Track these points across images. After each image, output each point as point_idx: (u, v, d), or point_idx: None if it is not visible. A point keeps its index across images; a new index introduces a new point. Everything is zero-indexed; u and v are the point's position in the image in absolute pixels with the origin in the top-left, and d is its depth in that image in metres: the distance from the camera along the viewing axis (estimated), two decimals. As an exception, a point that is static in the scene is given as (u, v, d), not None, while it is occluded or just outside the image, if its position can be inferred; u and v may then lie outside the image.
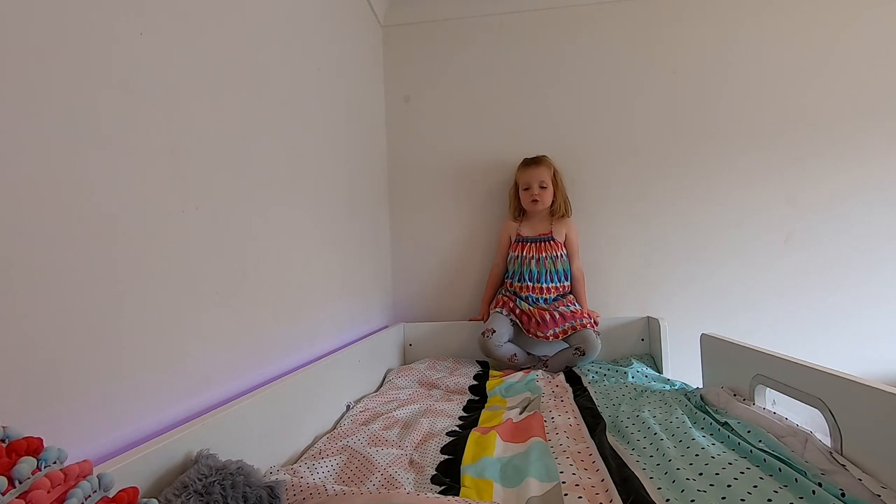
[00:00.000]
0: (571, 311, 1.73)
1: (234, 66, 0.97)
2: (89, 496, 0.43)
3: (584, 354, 1.62)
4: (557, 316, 1.72)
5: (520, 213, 1.92)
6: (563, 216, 1.88)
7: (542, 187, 1.82)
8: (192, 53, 0.84)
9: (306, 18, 1.32)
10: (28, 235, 0.55)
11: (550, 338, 1.70)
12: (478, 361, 1.78)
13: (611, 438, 0.98)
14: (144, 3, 0.74)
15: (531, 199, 1.83)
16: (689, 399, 1.14)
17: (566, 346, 1.70)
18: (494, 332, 1.70)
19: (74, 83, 0.61)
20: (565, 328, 1.70)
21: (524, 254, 1.83)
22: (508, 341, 1.73)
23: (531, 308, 1.76)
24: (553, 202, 1.86)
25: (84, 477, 0.44)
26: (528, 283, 1.81)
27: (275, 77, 1.13)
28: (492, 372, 1.64)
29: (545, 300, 1.80)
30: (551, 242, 1.84)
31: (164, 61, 0.77)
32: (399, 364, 1.82)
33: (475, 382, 1.53)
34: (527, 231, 1.88)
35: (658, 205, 1.95)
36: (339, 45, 1.58)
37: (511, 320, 1.76)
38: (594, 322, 1.74)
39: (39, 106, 0.57)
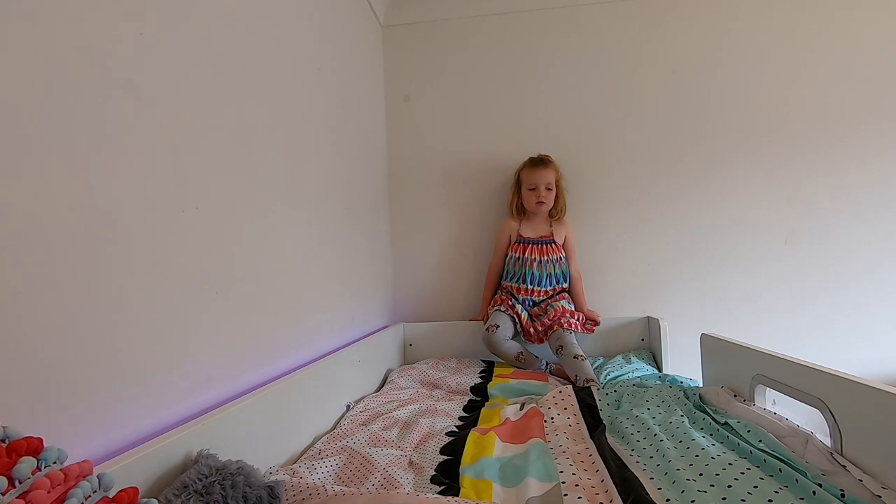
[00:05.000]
0: (555, 311, 1.72)
1: (234, 66, 0.97)
2: (89, 496, 0.43)
3: (562, 347, 1.60)
4: (541, 328, 1.72)
5: (520, 211, 1.91)
6: (560, 218, 1.88)
7: (548, 189, 1.82)
8: (192, 54, 0.84)
9: (306, 19, 1.32)
10: (28, 235, 0.55)
11: (536, 342, 1.74)
12: (482, 361, 1.78)
13: (610, 439, 0.98)
14: (144, 4, 0.74)
15: (536, 201, 1.82)
16: (687, 398, 1.14)
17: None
18: (499, 326, 1.70)
19: (74, 83, 0.61)
20: (546, 330, 1.71)
21: (526, 255, 1.82)
22: (512, 338, 1.73)
23: (524, 313, 1.77)
24: (555, 204, 1.86)
25: (84, 477, 0.44)
26: (528, 286, 1.81)
27: (275, 77, 1.13)
28: (497, 371, 1.64)
29: (541, 302, 1.81)
30: (552, 245, 1.84)
31: (164, 61, 0.77)
32: (399, 364, 1.82)
33: (479, 381, 1.52)
34: (528, 232, 1.87)
35: (658, 204, 1.94)
36: (339, 45, 1.58)
37: (511, 317, 1.76)
38: (591, 321, 1.79)
39: (39, 106, 0.57)
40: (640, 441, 0.94)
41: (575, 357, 1.55)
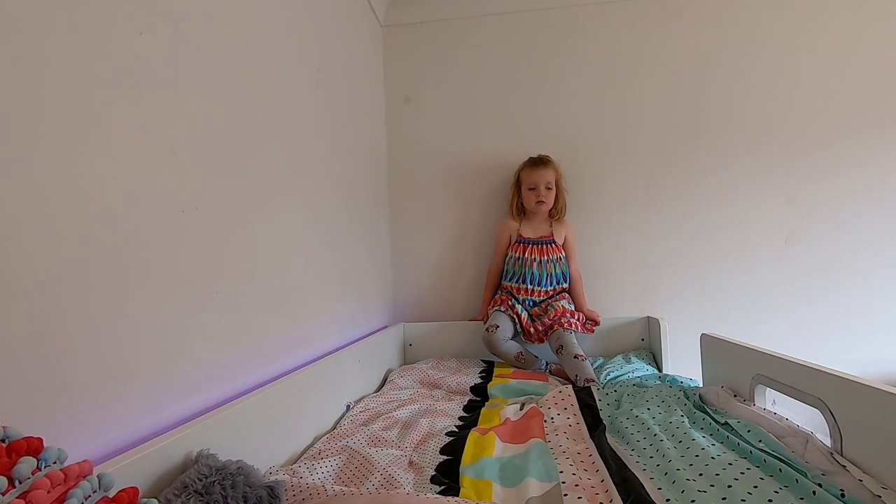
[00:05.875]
0: (555, 311, 1.72)
1: (234, 67, 0.96)
2: (89, 496, 0.43)
3: (563, 347, 1.61)
4: (542, 328, 1.72)
5: (520, 211, 1.91)
6: (560, 218, 1.88)
7: (548, 188, 1.82)
8: (192, 54, 0.84)
9: (306, 19, 1.32)
10: (28, 236, 0.55)
11: (536, 342, 1.74)
12: (482, 361, 1.77)
13: (610, 439, 0.98)
14: (144, 3, 0.74)
15: (536, 200, 1.83)
16: (688, 398, 1.14)
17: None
18: (498, 327, 1.70)
19: (74, 84, 0.61)
20: (546, 330, 1.71)
21: (526, 255, 1.83)
22: (512, 338, 1.73)
23: (525, 313, 1.77)
24: (555, 204, 1.86)
25: (84, 477, 0.44)
26: (528, 286, 1.81)
27: (275, 77, 1.13)
28: (497, 371, 1.64)
29: (541, 302, 1.81)
30: (552, 245, 1.84)
31: (164, 61, 0.77)
32: (399, 364, 1.82)
33: (479, 381, 1.52)
34: (528, 232, 1.87)
35: (658, 204, 1.94)
36: (339, 45, 1.58)
37: (510, 317, 1.77)
38: (591, 320, 1.79)
39: (40, 107, 0.57)
40: (640, 441, 0.94)
41: (575, 357, 1.55)
